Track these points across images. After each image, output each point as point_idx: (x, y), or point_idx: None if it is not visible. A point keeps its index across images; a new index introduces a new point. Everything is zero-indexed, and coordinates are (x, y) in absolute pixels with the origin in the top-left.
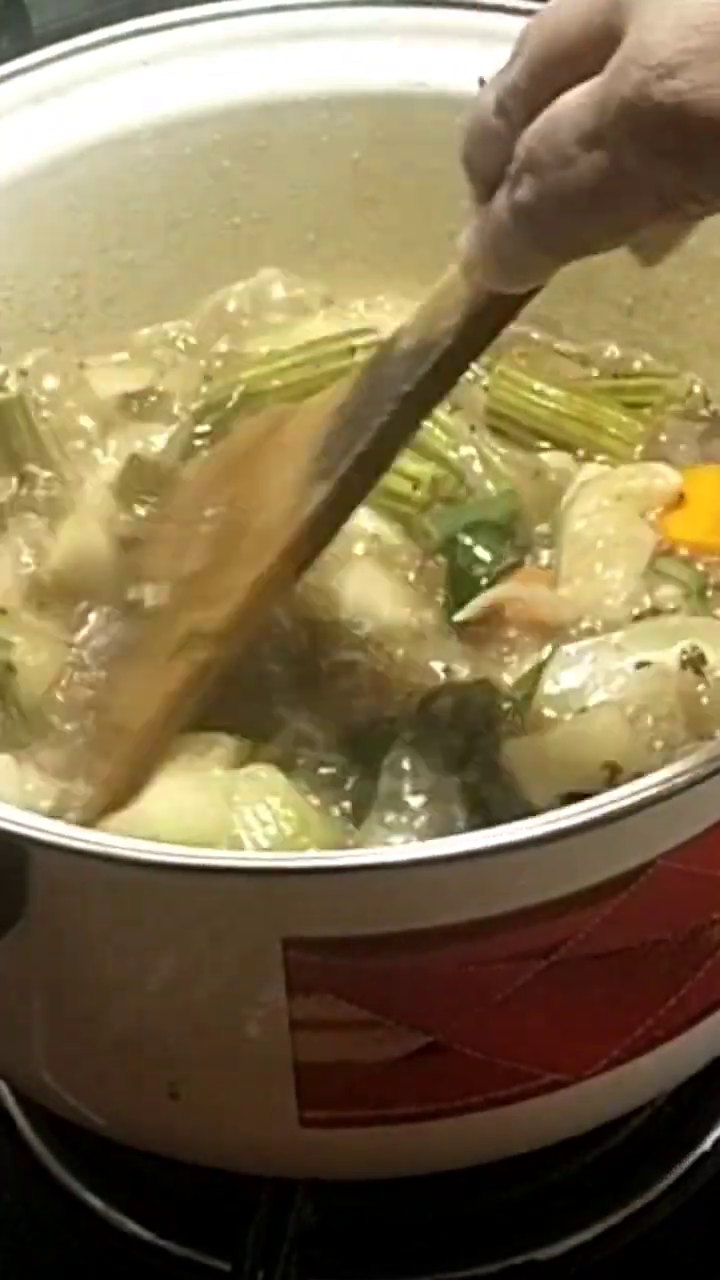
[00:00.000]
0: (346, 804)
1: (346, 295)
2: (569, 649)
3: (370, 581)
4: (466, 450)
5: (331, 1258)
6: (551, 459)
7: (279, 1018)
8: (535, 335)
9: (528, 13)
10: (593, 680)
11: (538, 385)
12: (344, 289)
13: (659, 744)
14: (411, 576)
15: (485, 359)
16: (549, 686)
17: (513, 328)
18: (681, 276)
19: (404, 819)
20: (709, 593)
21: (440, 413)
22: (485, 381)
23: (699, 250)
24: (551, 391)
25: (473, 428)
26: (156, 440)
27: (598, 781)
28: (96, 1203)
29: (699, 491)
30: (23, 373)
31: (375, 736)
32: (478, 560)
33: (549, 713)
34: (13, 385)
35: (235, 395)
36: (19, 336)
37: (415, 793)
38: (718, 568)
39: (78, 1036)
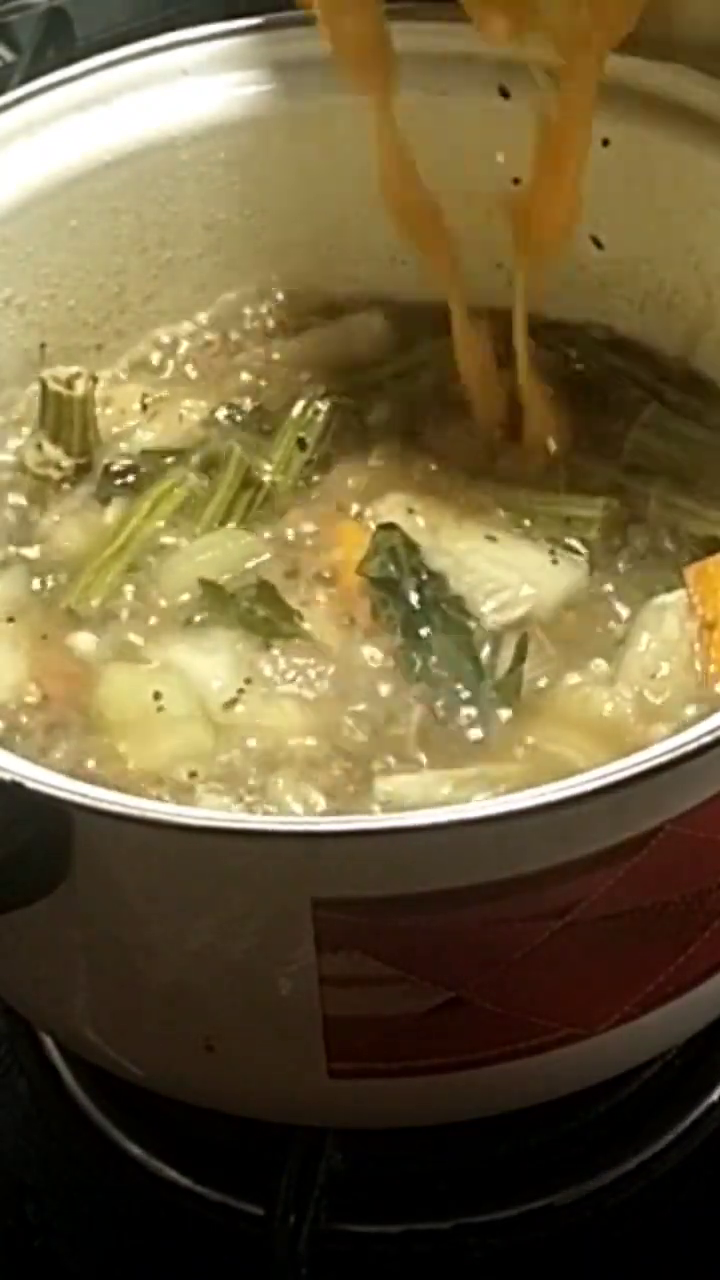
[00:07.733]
0: None
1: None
2: None
3: None
4: None
5: (359, 1202)
6: None
7: (309, 974)
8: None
9: None
10: None
11: None
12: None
13: None
14: None
15: None
16: None
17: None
18: (691, 277)
19: None
20: None
21: None
22: None
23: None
24: None
25: None
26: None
27: None
28: (136, 1150)
29: None
30: (94, 378)
31: None
32: None
33: None
34: (80, 386)
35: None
36: (64, 330)
37: None
38: None
39: (118, 993)
